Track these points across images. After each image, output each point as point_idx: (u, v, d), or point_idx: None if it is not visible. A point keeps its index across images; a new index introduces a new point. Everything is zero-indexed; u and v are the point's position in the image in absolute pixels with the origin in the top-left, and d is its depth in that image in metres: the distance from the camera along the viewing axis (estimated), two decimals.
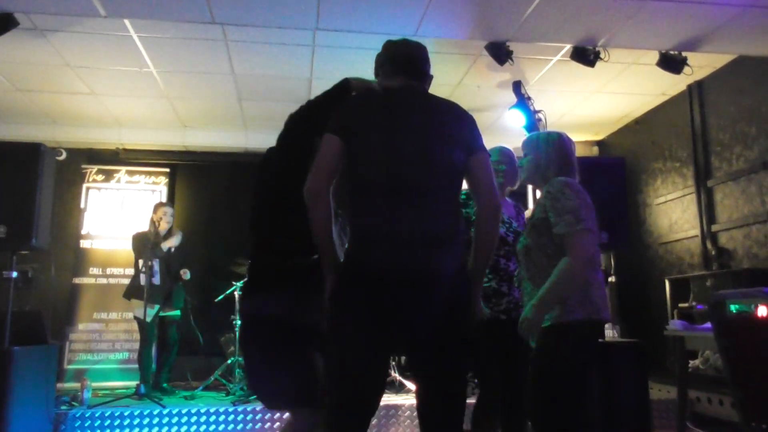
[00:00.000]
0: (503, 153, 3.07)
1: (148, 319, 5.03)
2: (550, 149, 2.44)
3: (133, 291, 5.20)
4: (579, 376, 2.24)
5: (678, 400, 3.33)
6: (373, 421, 4.36)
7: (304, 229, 1.83)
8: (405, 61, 2.04)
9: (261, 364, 2.08)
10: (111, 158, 6.64)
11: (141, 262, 5.06)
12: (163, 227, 5.32)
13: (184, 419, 4.25)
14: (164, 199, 6.53)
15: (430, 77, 2.09)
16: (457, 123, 1.93)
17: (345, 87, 2.18)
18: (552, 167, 2.41)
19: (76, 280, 6.17)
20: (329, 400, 1.78)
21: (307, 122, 2.19)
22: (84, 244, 6.30)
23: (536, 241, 2.30)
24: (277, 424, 4.33)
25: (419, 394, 1.84)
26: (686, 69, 4.64)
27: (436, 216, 1.80)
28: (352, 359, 1.76)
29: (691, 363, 4.62)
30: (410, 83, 2.00)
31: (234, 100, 5.78)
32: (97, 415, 4.19)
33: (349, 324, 1.77)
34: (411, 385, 4.84)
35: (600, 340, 2.33)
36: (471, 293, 1.87)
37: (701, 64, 4.93)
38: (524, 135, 5.55)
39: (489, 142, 2.04)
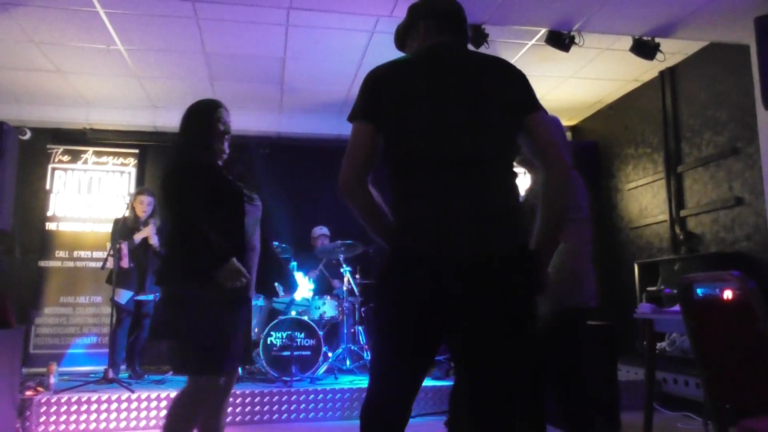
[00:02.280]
0: None
1: (122, 301, 4.95)
2: (560, 134, 2.42)
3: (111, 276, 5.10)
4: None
5: (646, 381, 3.39)
6: None
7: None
8: (452, 17, 1.80)
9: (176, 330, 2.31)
10: (78, 138, 6.45)
11: (108, 245, 4.95)
12: (141, 215, 5.18)
13: (153, 404, 4.19)
14: (134, 181, 6.41)
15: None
16: (508, 81, 1.70)
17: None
18: None
19: (42, 263, 6.03)
20: (369, 386, 1.70)
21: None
22: (50, 226, 6.15)
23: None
24: (248, 408, 4.31)
25: (470, 386, 1.65)
26: (659, 55, 4.68)
27: (492, 190, 1.61)
28: (393, 353, 1.66)
29: (659, 345, 4.72)
30: (450, 40, 1.77)
31: (206, 80, 5.67)
32: (63, 401, 4.11)
33: (395, 316, 1.64)
34: None
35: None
36: (535, 273, 1.64)
37: (673, 51, 4.97)
38: None
39: None
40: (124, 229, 5.06)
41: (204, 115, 2.49)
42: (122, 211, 5.22)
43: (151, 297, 5.22)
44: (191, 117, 2.50)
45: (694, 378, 4.46)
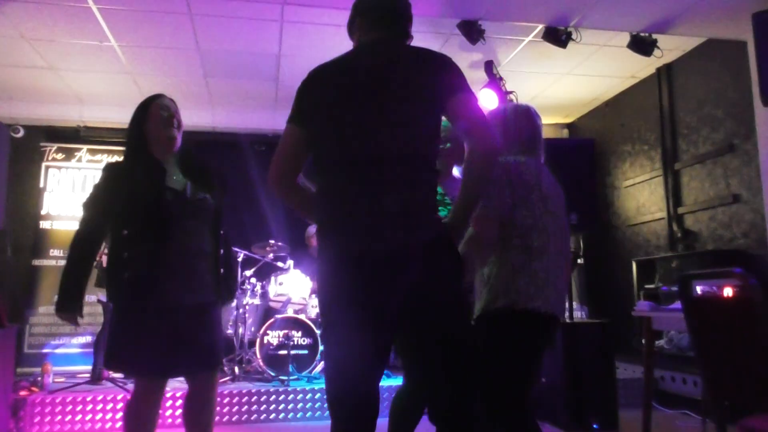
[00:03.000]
0: (449, 128, 2.90)
1: (106, 299, 4.85)
2: (519, 122, 2.31)
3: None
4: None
5: (645, 380, 3.37)
6: None
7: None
8: (384, 13, 1.80)
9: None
10: (72, 136, 6.40)
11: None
12: None
13: None
14: None
15: (410, 38, 1.86)
16: (432, 71, 1.70)
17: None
18: (518, 143, 2.28)
19: (36, 262, 5.98)
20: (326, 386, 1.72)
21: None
22: (44, 225, 6.10)
23: None
24: (245, 407, 4.28)
25: (424, 380, 1.71)
26: (656, 51, 4.66)
27: (402, 184, 1.63)
28: (337, 342, 1.69)
29: (656, 343, 4.70)
30: (381, 36, 1.78)
31: (200, 77, 5.62)
32: (58, 401, 4.07)
33: (331, 305, 1.69)
34: None
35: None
36: (453, 260, 1.68)
37: (670, 47, 4.95)
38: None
39: None
40: None
41: (142, 109, 2.46)
42: None
43: None
44: (132, 118, 2.47)
45: (692, 376, 4.45)
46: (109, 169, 2.44)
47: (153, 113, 2.43)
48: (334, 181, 1.70)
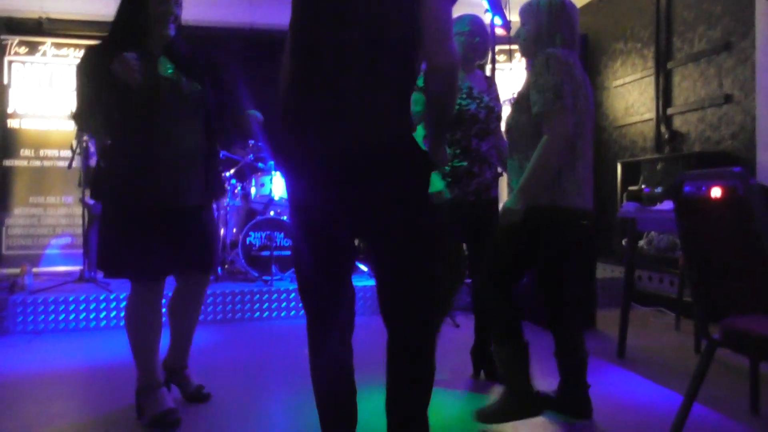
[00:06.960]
0: (475, 22, 2.78)
1: (92, 202, 4.71)
2: (552, 17, 2.20)
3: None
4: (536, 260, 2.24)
5: (625, 280, 3.42)
6: None
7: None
8: None
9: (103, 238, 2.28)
10: (34, 29, 5.99)
11: (74, 143, 4.68)
12: None
13: None
14: None
15: None
16: None
17: None
18: (553, 38, 2.18)
19: (7, 163, 5.77)
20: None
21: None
22: (12, 123, 5.83)
23: (516, 120, 2.20)
24: (229, 306, 4.31)
25: (378, 281, 1.68)
26: None
27: (364, 78, 1.54)
28: (298, 239, 1.72)
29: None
30: None
31: None
32: (40, 301, 4.05)
33: (293, 201, 1.70)
34: None
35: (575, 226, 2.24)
36: (417, 165, 1.62)
37: None
38: (484, 6, 5.20)
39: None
40: None
41: None
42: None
43: None
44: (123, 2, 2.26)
45: (670, 275, 4.54)
46: (93, 56, 2.23)
47: (151, 4, 2.21)
48: (298, 72, 1.62)
